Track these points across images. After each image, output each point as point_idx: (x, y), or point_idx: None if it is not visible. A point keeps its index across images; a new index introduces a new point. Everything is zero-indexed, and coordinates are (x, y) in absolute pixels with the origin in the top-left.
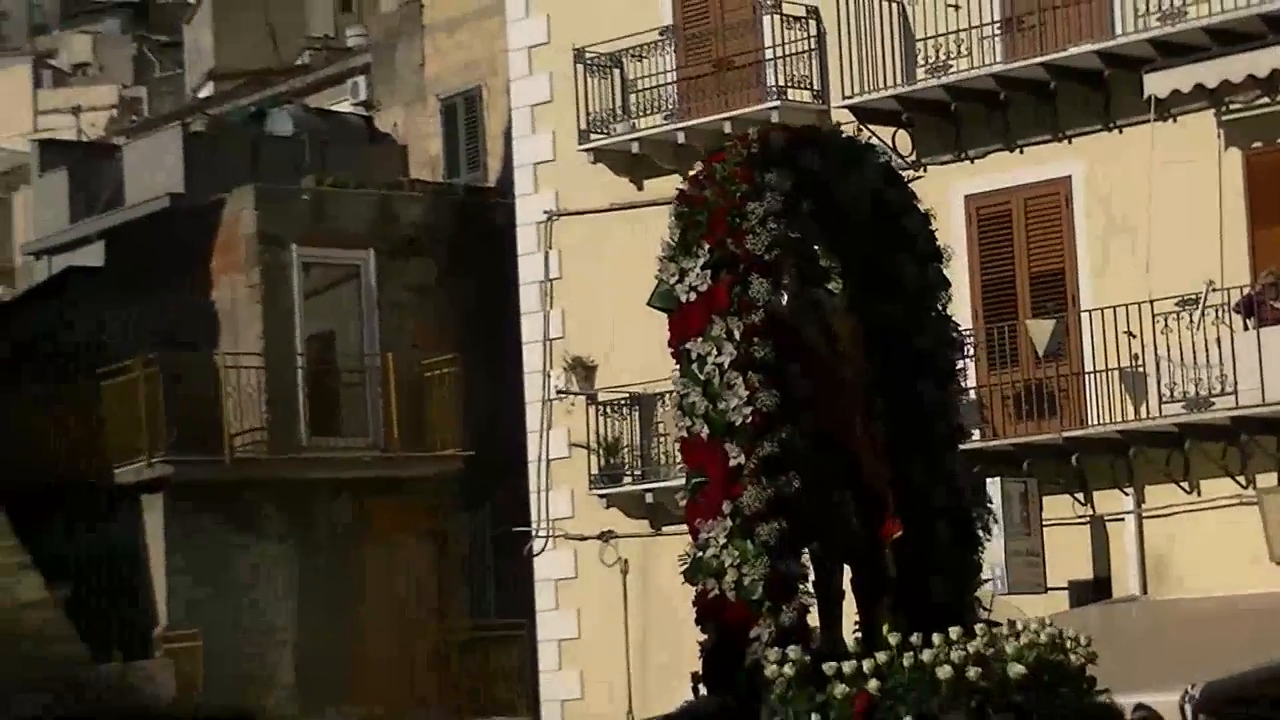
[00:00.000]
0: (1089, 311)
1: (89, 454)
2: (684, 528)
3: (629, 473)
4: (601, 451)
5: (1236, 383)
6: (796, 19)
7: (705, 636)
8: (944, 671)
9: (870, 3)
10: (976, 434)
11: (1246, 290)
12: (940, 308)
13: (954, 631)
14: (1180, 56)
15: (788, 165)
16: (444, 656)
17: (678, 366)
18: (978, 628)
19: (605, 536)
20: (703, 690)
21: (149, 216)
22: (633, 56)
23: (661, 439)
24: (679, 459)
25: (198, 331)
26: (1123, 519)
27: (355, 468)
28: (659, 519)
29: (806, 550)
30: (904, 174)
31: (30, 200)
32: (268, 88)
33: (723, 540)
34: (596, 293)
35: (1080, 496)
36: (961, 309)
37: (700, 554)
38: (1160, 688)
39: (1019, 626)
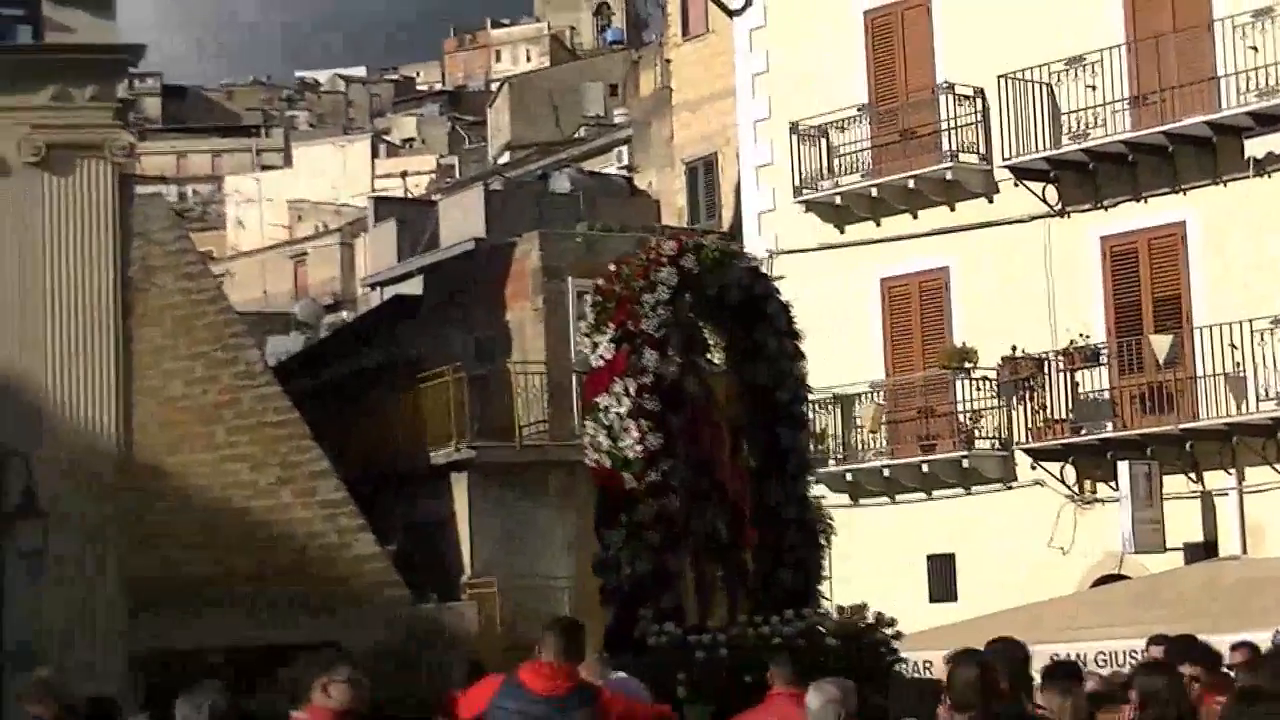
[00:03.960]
0: (1200, 328)
1: (412, 442)
2: (878, 499)
3: (832, 456)
4: (811, 439)
5: None
6: (966, 97)
7: (609, 615)
8: (776, 642)
9: (1025, 84)
10: (1110, 425)
11: None
12: (795, 371)
13: (789, 613)
14: (1273, 124)
15: (674, 266)
16: None
17: (588, 417)
18: (806, 611)
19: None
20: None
21: (458, 256)
22: (836, 128)
23: (858, 429)
24: (873, 446)
25: (495, 345)
26: (1227, 494)
27: None
28: (856, 493)
29: (686, 551)
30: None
31: (368, 244)
32: (551, 155)
33: (620, 544)
34: (807, 313)
35: (1192, 475)
36: (1097, 326)
37: (605, 553)
38: (1256, 628)
39: (837, 610)
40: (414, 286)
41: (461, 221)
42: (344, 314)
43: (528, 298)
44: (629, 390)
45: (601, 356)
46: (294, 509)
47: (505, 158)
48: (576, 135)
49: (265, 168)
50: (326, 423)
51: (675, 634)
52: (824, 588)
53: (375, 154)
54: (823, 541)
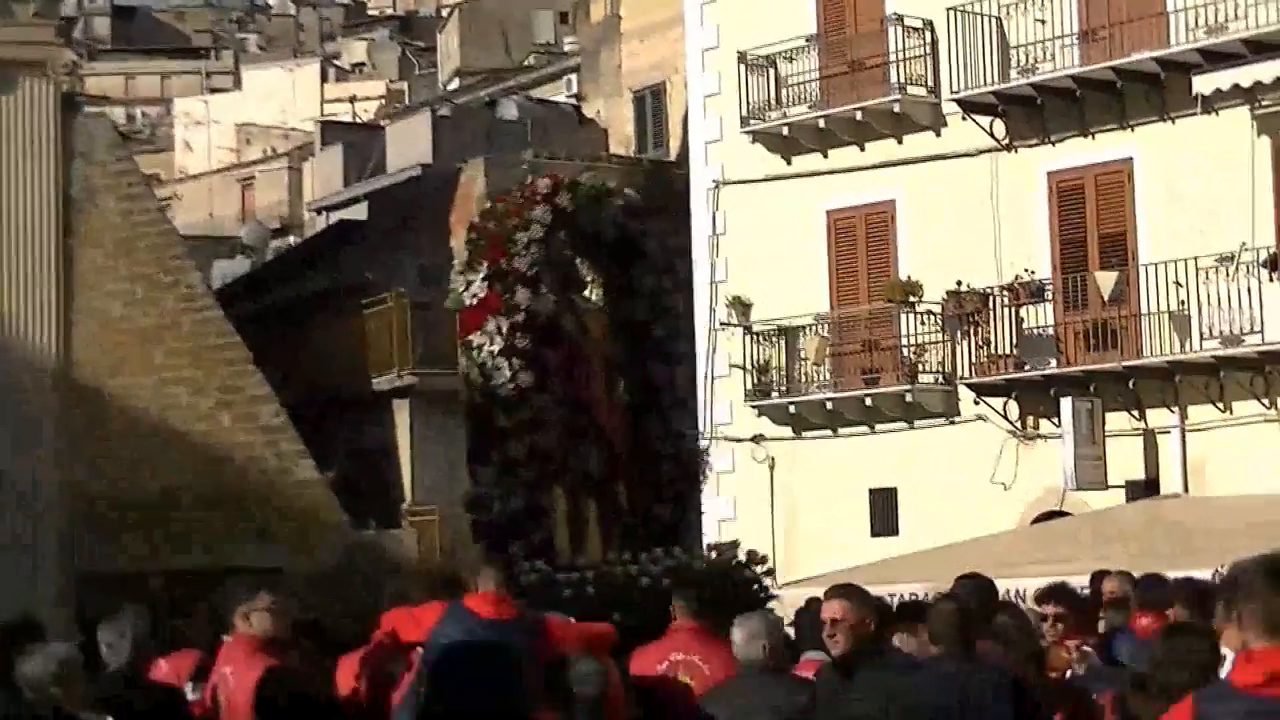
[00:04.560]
0: (1145, 265)
1: (354, 368)
2: (821, 432)
3: (776, 388)
4: (754, 371)
5: (1263, 323)
6: (915, 29)
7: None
8: (644, 581)
9: (974, 17)
10: (1053, 362)
11: (1272, 250)
12: (672, 308)
13: (658, 552)
14: (1222, 62)
15: (548, 205)
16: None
17: (462, 354)
18: (676, 550)
19: (756, 439)
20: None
21: (404, 181)
22: (784, 58)
23: (802, 362)
24: (817, 378)
25: (440, 272)
26: (1169, 432)
27: None
28: (799, 426)
29: (559, 488)
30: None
31: (315, 168)
32: (500, 82)
33: (492, 480)
34: (753, 245)
35: (1135, 413)
36: (1043, 262)
37: (477, 489)
38: (1197, 566)
39: (708, 548)
40: (361, 212)
41: (409, 147)
42: (291, 238)
43: None
44: (501, 329)
45: (475, 295)
46: (234, 433)
47: (455, 83)
48: (526, 62)
49: (214, 90)
50: (270, 347)
51: (545, 571)
52: (710, 524)
53: (325, 78)
54: (699, 475)
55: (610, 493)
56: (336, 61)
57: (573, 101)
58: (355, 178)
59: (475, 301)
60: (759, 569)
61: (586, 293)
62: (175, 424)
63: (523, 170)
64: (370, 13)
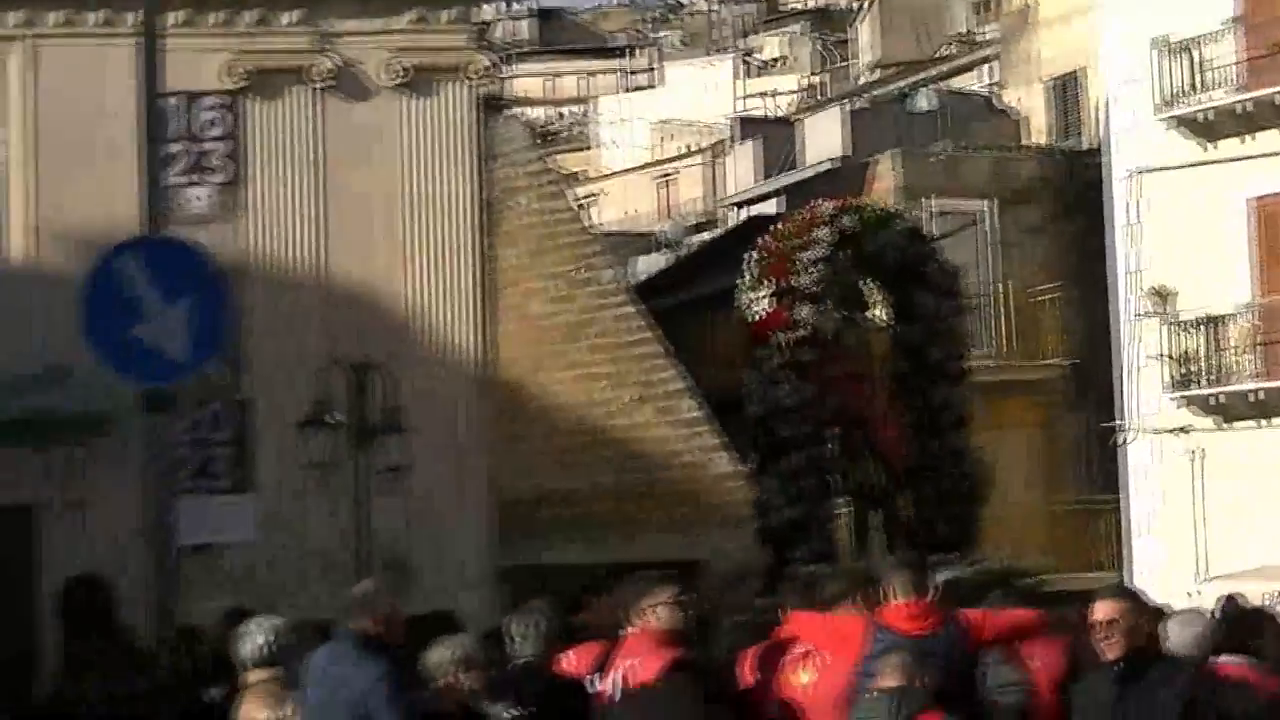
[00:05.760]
0: None
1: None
2: (1248, 422)
3: (1200, 378)
4: (1178, 361)
5: None
6: None
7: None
8: None
9: None
10: None
11: None
12: (951, 330)
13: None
14: None
15: (832, 226)
16: (1052, 520)
17: (748, 367)
18: (949, 557)
19: (1181, 430)
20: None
21: (818, 175)
22: (1203, 42)
23: (1224, 352)
24: (1245, 368)
25: None
26: None
27: (979, 373)
28: (1225, 416)
29: (841, 498)
30: None
31: (731, 164)
32: (914, 73)
33: (775, 489)
34: (1173, 233)
35: None
36: None
37: (761, 497)
38: None
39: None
40: (775, 206)
41: (823, 141)
42: (710, 233)
43: None
44: (784, 343)
45: (758, 310)
46: (652, 427)
47: (870, 76)
48: (940, 54)
49: (634, 89)
50: (686, 340)
51: (821, 571)
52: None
53: (744, 73)
54: (985, 491)
55: (892, 506)
56: (753, 57)
57: (987, 92)
58: (772, 172)
59: (759, 317)
60: (1029, 582)
61: (871, 312)
62: (595, 419)
63: (938, 162)
64: (790, 6)
